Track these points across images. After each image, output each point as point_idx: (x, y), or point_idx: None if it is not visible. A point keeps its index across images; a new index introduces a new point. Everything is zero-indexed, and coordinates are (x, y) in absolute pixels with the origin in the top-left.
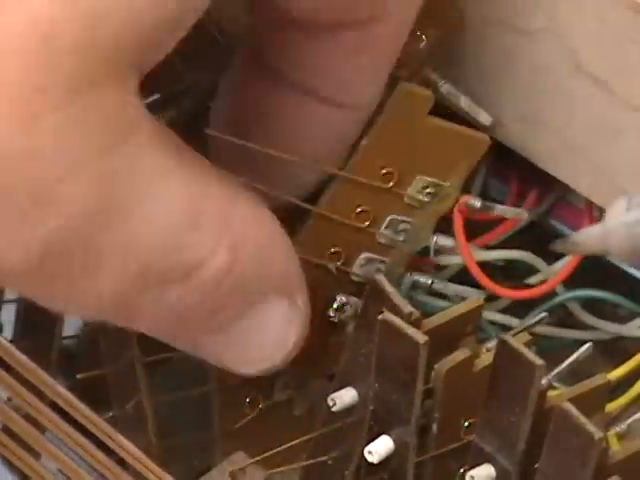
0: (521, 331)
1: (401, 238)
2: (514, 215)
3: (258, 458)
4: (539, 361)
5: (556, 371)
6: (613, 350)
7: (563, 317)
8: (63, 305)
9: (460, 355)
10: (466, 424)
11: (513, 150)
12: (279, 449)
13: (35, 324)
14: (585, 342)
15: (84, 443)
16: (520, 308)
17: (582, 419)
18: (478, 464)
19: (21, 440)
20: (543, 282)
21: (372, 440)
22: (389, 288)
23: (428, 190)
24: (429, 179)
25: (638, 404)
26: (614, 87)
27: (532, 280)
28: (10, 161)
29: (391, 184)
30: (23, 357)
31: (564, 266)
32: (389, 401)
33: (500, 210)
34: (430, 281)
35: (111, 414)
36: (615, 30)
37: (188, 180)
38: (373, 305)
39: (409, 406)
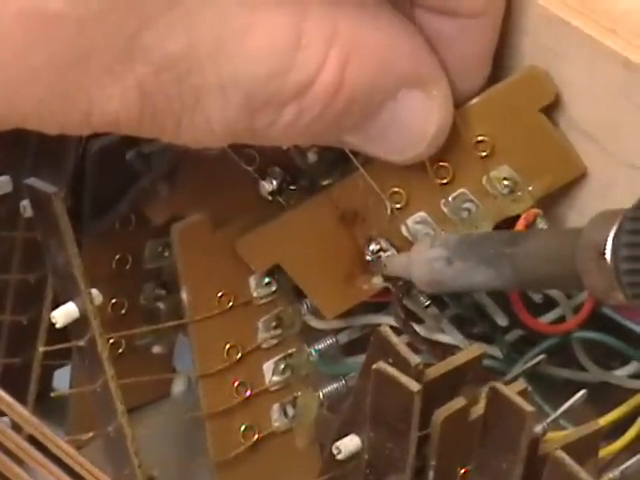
0: (519, 375)
1: (462, 216)
2: None
3: None
4: (530, 408)
5: (551, 418)
6: (602, 394)
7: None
8: (182, 140)
9: (456, 404)
10: (462, 471)
11: None
12: None
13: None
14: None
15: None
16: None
17: (575, 467)
18: None
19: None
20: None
21: None
22: (394, 339)
23: (507, 183)
24: (514, 173)
25: (630, 450)
26: (604, 142)
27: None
28: (89, 24)
29: (481, 154)
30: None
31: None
32: (384, 449)
33: None
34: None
35: (91, 434)
36: (605, 85)
37: (280, 5)
38: (378, 355)
39: (404, 454)
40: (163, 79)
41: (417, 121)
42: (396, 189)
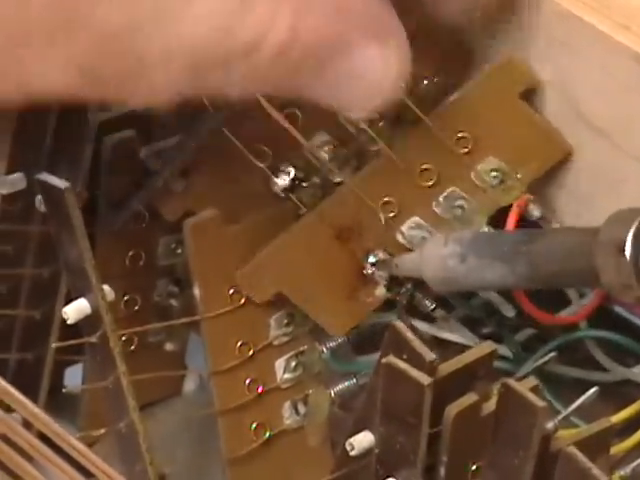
0: (529, 373)
1: (455, 213)
2: None
3: None
4: (541, 403)
5: (562, 415)
6: (613, 393)
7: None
8: (126, 101)
9: (468, 400)
10: (473, 467)
11: None
12: None
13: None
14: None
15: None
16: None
17: (587, 463)
18: None
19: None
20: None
21: None
22: (409, 335)
23: (495, 174)
24: (500, 163)
25: None
26: (616, 138)
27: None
28: None
29: (463, 151)
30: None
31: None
32: (395, 444)
33: None
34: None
35: (103, 431)
36: (618, 80)
37: None
38: (392, 351)
39: (415, 449)
40: (106, 49)
41: (374, 72)
42: (387, 198)
